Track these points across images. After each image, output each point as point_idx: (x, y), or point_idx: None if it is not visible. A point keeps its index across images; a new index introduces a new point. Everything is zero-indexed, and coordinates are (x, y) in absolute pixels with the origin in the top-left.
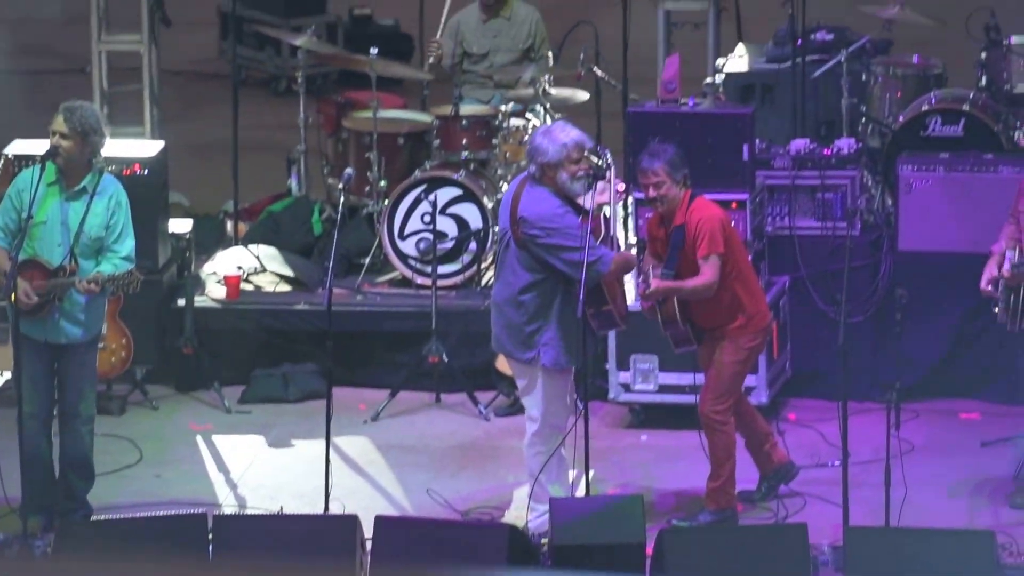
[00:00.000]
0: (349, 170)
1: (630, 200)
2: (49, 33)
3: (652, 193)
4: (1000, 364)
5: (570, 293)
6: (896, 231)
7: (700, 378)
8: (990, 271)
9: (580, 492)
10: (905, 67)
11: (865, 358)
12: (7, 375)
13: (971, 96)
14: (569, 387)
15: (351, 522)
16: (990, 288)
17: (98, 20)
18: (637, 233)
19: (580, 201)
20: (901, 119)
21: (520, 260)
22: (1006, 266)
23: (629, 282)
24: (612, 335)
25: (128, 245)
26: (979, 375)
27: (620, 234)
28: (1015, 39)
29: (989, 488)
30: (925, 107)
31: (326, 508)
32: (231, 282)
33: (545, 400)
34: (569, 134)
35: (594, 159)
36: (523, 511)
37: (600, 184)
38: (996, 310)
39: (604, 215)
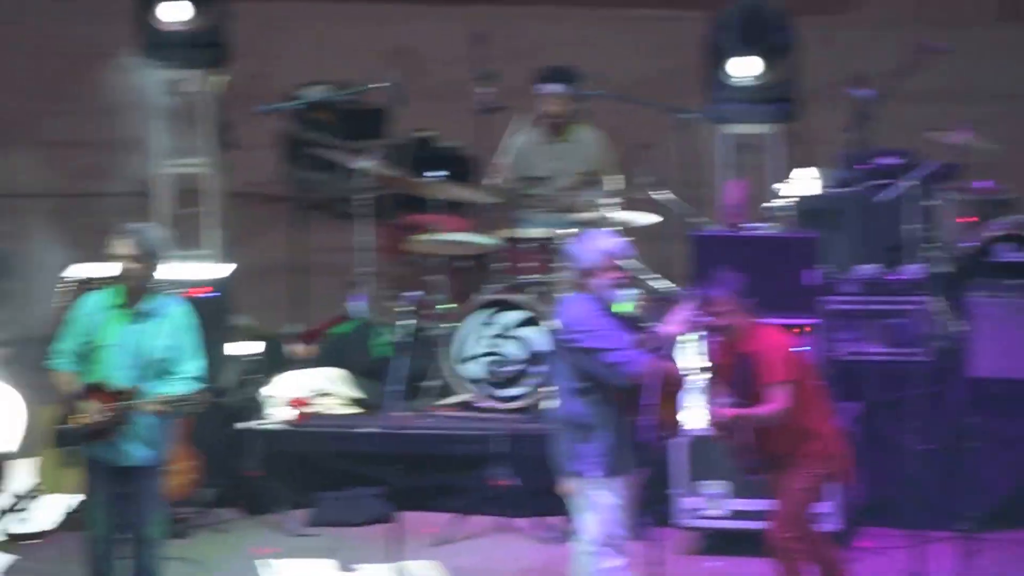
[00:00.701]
0: (414, 293)
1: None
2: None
3: (717, 322)
4: None
5: (616, 403)
6: (966, 358)
7: (770, 503)
8: None
9: None
10: (973, 192)
11: (937, 486)
12: (77, 498)
13: None
14: (625, 504)
15: None
16: None
17: (161, 143)
18: (709, 357)
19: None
20: (969, 244)
21: (566, 371)
22: None
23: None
24: (682, 459)
25: (196, 366)
26: None
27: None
28: None
29: None
30: (993, 233)
31: None
32: (298, 405)
33: (597, 515)
34: (603, 243)
35: (659, 285)
36: None
37: (677, 315)
38: None
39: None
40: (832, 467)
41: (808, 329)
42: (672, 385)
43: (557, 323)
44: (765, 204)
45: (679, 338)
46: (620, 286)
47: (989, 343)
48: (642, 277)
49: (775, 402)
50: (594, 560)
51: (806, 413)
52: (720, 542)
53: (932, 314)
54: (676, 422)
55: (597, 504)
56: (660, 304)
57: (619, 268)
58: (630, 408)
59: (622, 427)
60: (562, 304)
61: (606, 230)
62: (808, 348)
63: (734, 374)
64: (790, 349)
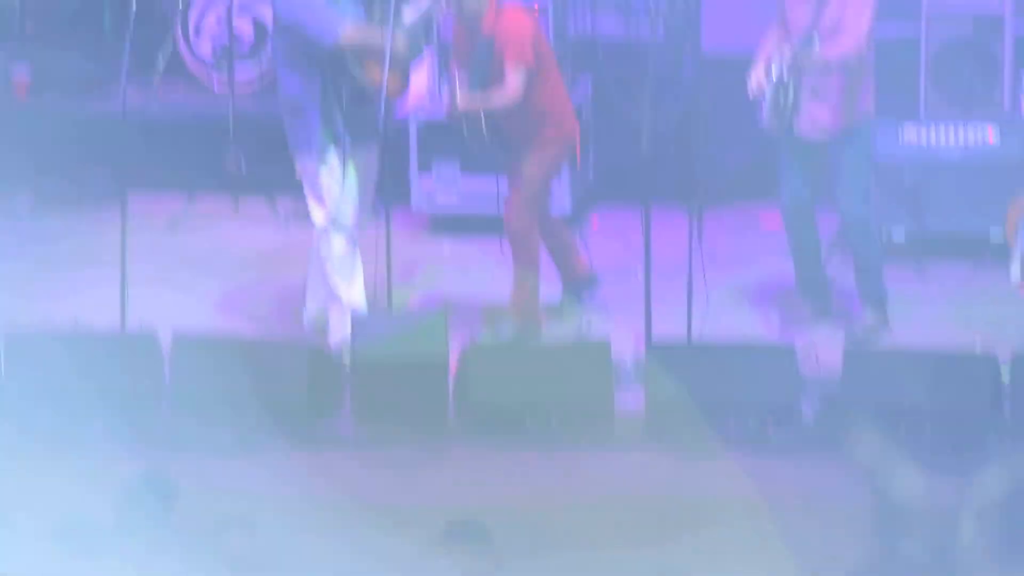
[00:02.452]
0: None
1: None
2: None
3: (452, 3)
4: None
5: (329, 74)
6: (700, 32)
7: (503, 185)
8: (758, 75)
9: (380, 302)
10: None
11: (670, 163)
12: None
13: None
14: (356, 181)
15: (149, 338)
16: (757, 89)
17: None
18: (438, 37)
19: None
20: None
21: (279, 48)
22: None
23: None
24: (414, 141)
25: None
26: None
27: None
28: None
29: (791, 299)
30: None
31: (124, 323)
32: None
33: (322, 192)
34: None
35: None
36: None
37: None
38: (763, 115)
39: None
40: (567, 149)
41: (536, 8)
42: (393, 54)
43: None
44: None
45: (423, 14)
46: None
47: (723, 16)
48: None
49: (510, 86)
50: (319, 241)
51: (542, 96)
52: (452, 223)
53: None
54: (402, 87)
55: (320, 185)
56: None
57: None
58: (340, 80)
59: (333, 101)
60: None
61: None
62: (542, 25)
63: (472, 55)
64: (530, 31)
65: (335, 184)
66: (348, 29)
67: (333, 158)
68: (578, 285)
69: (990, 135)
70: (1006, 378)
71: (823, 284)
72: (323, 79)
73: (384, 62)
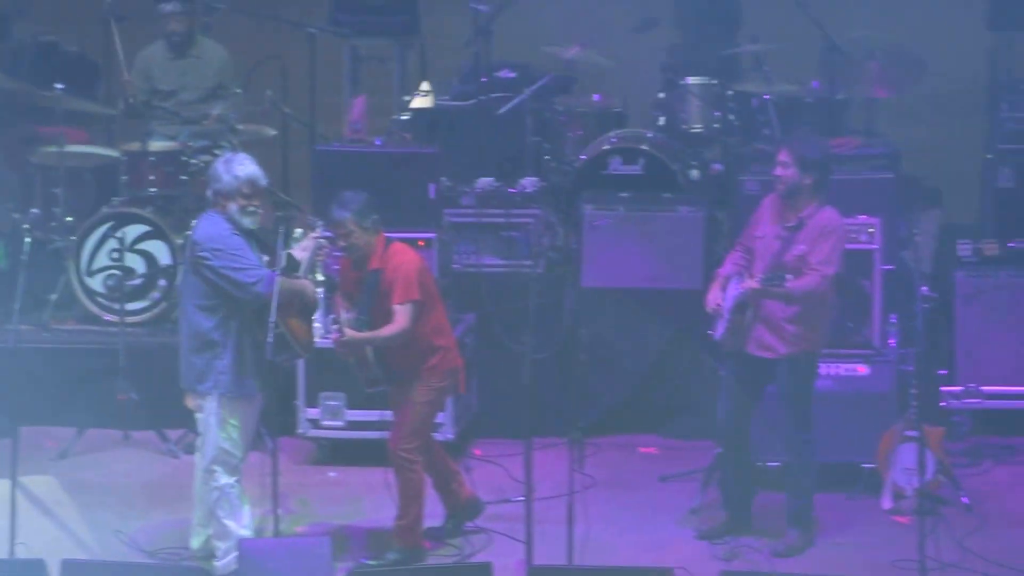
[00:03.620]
0: (35, 210)
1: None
2: None
3: (341, 243)
4: (677, 401)
5: (246, 321)
6: (579, 268)
7: (388, 415)
8: (715, 293)
9: (267, 530)
10: (586, 106)
11: (550, 395)
12: None
13: (649, 136)
14: (250, 420)
15: (38, 566)
16: (715, 307)
17: None
18: (324, 271)
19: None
20: (583, 157)
21: (194, 288)
22: (747, 283)
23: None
24: (301, 371)
25: None
26: (658, 411)
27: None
28: (691, 80)
29: (668, 522)
30: (606, 146)
31: (12, 551)
32: None
33: (219, 431)
34: (245, 169)
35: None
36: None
37: (306, 242)
38: (717, 330)
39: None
40: (452, 380)
41: (422, 244)
42: (305, 304)
43: (190, 239)
44: (394, 117)
45: (311, 256)
46: (254, 212)
47: (602, 254)
48: (275, 198)
49: (399, 322)
50: (209, 476)
51: (428, 329)
52: (338, 452)
53: (546, 226)
54: (310, 340)
55: (214, 421)
56: (289, 224)
57: (255, 194)
58: (255, 327)
59: (246, 346)
60: (199, 222)
61: (245, 155)
62: (428, 260)
63: (361, 291)
64: (417, 267)
65: (234, 422)
66: (279, 282)
67: (235, 395)
68: (461, 511)
69: (860, 368)
70: None
71: (747, 499)
72: (240, 321)
73: (298, 310)
